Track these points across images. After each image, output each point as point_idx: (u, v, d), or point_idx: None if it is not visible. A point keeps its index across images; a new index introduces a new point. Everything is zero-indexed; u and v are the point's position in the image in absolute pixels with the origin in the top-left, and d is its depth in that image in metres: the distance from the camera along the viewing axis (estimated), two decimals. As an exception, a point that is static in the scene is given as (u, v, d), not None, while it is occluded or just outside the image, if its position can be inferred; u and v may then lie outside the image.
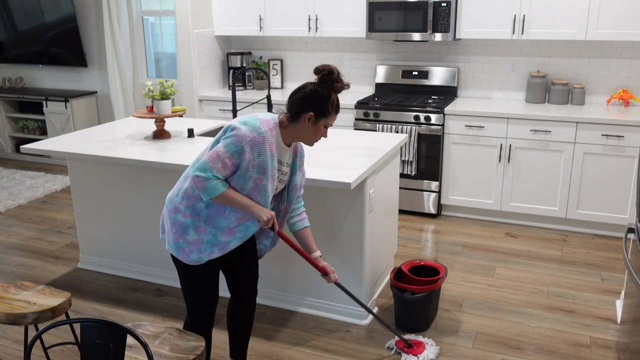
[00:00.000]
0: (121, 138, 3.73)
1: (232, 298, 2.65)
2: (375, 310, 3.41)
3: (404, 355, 2.93)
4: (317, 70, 2.24)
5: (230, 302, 2.67)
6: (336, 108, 2.27)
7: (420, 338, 3.07)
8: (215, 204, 2.30)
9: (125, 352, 1.93)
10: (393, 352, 3.01)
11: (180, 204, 2.33)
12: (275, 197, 2.49)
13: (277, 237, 2.56)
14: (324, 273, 2.57)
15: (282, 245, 3.35)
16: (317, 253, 2.57)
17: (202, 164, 2.21)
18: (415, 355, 2.92)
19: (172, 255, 2.41)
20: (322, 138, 2.35)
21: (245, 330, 2.70)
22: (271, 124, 2.25)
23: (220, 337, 3.17)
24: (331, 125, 2.34)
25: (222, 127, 3.88)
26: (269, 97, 3.84)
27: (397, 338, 3.04)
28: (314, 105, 2.22)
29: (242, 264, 2.56)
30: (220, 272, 3.17)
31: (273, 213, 2.31)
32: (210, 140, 2.34)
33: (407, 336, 3.09)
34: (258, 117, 2.25)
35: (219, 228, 2.32)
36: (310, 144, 2.34)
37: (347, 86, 2.28)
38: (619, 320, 3.25)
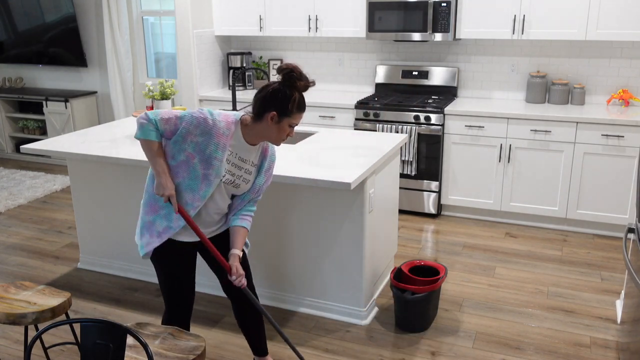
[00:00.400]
0: (121, 138, 3.73)
1: (231, 302, 2.64)
2: (375, 310, 3.41)
3: None
4: (279, 70, 2.23)
5: (232, 306, 2.66)
6: (298, 107, 2.25)
7: None
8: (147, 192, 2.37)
9: (125, 352, 1.93)
10: None
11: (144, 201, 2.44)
12: (236, 198, 2.45)
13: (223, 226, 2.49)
14: (229, 272, 2.37)
15: (283, 246, 3.35)
16: (237, 251, 2.39)
17: (155, 110, 2.35)
18: None
19: None
20: (289, 137, 2.35)
21: (256, 327, 2.69)
22: (230, 118, 2.29)
23: (221, 337, 3.17)
24: (297, 124, 2.32)
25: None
26: (269, 97, 3.84)
27: None
28: (276, 104, 2.21)
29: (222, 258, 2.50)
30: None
31: (171, 192, 2.27)
32: None
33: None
34: (221, 112, 2.31)
35: (145, 207, 2.39)
36: (277, 143, 2.33)
37: (312, 83, 2.27)
38: (619, 320, 3.25)
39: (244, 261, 2.55)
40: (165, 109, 2.27)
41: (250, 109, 2.32)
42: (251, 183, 2.42)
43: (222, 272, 2.55)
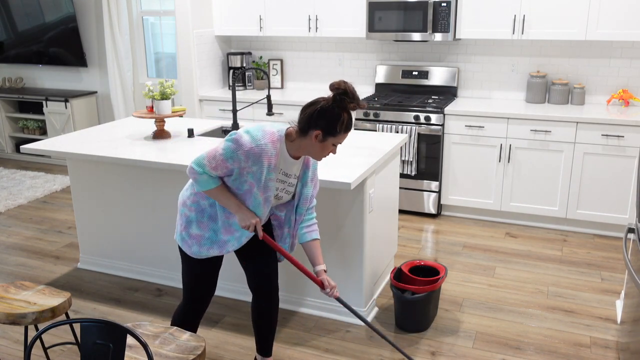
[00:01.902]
0: (121, 138, 3.73)
1: (253, 295, 2.66)
2: (375, 310, 3.41)
3: None
4: (334, 87, 2.18)
5: (252, 299, 2.68)
6: (346, 128, 2.21)
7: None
8: (214, 204, 2.41)
9: (125, 352, 1.93)
10: None
11: (188, 199, 2.44)
12: (285, 207, 2.50)
13: (294, 243, 2.58)
14: (322, 287, 2.50)
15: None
16: (322, 267, 2.50)
17: (199, 158, 2.29)
18: None
19: (178, 244, 2.53)
20: (331, 154, 2.35)
21: (268, 327, 2.70)
22: (275, 136, 2.24)
23: (221, 337, 3.17)
24: (341, 144, 2.33)
25: (222, 128, 3.85)
26: (269, 97, 3.84)
27: None
28: (323, 123, 2.17)
29: (258, 261, 2.58)
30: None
31: (257, 220, 2.33)
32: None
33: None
34: (264, 128, 2.25)
35: (220, 226, 2.41)
36: (318, 159, 2.32)
37: (363, 106, 2.21)
38: (619, 320, 3.25)
39: (271, 257, 2.61)
40: (209, 151, 2.27)
41: (296, 120, 2.28)
42: (292, 194, 2.45)
43: (249, 269, 2.59)
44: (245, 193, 2.32)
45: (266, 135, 2.23)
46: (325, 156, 2.31)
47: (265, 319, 2.66)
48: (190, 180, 2.46)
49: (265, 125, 2.30)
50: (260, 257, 2.58)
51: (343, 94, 2.16)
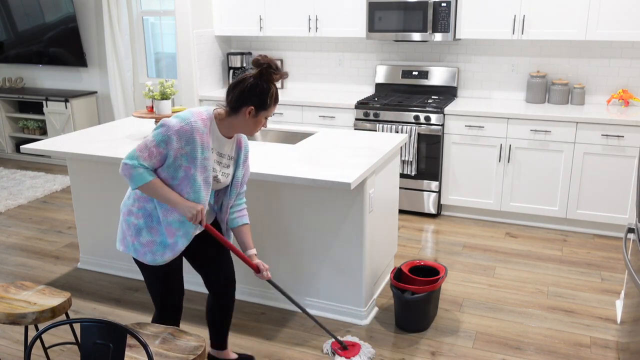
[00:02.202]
0: (121, 138, 3.73)
1: (209, 293, 2.68)
2: (375, 310, 3.41)
3: (337, 358, 2.87)
4: (256, 63, 2.23)
5: (208, 296, 2.70)
6: (275, 100, 2.29)
7: (356, 340, 3.02)
8: (159, 204, 2.33)
9: (125, 352, 1.93)
10: (329, 354, 2.96)
11: (132, 206, 2.37)
12: (220, 193, 2.52)
13: (226, 229, 2.58)
14: (257, 270, 2.55)
15: (283, 246, 3.35)
16: (253, 251, 2.56)
17: (130, 152, 2.25)
18: (348, 358, 2.86)
19: (133, 258, 2.44)
20: (263, 128, 2.43)
21: (225, 322, 2.74)
22: (203, 115, 2.27)
23: (220, 337, 3.17)
24: (271, 116, 2.36)
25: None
26: (269, 97, 3.84)
27: (332, 340, 2.98)
28: (255, 99, 2.23)
29: (209, 256, 2.59)
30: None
31: (200, 207, 2.30)
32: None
33: (346, 338, 3.04)
34: (191, 110, 2.29)
35: (163, 230, 2.35)
36: (251, 134, 2.37)
37: (286, 75, 2.29)
38: (619, 320, 3.25)
39: (223, 250, 2.62)
40: (139, 144, 2.26)
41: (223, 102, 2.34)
42: (230, 176, 2.47)
43: (205, 269, 2.61)
44: (182, 181, 2.28)
45: (194, 114, 2.25)
46: (257, 131, 2.36)
47: (222, 315, 2.71)
48: (128, 193, 2.42)
49: (192, 108, 2.32)
50: (215, 263, 2.59)
51: (267, 67, 2.22)
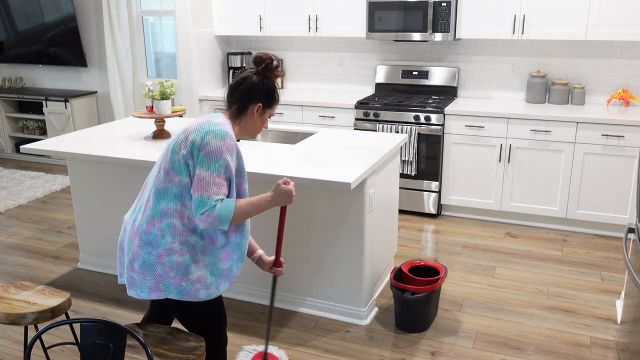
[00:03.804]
0: (121, 138, 3.73)
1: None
2: (375, 310, 3.41)
3: None
4: (260, 60, 2.18)
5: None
6: (279, 97, 2.26)
7: (278, 352, 2.85)
8: (206, 233, 2.15)
9: (125, 352, 1.93)
10: None
11: (173, 244, 2.11)
12: None
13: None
14: (280, 264, 2.43)
15: (283, 246, 3.35)
16: (260, 250, 2.49)
17: (196, 201, 2.03)
18: None
19: (172, 302, 2.18)
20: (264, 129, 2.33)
21: None
22: (227, 123, 2.15)
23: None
24: (273, 115, 2.29)
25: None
26: (269, 97, 3.83)
27: (258, 351, 2.80)
28: (261, 96, 2.18)
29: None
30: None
31: (286, 183, 2.20)
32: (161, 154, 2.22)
33: (276, 349, 2.89)
34: (213, 121, 2.11)
35: (216, 256, 2.18)
36: (256, 135, 2.29)
37: (284, 74, 2.25)
38: (619, 320, 3.25)
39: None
40: (199, 187, 2.04)
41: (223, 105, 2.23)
42: None
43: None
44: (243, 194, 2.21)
45: (224, 125, 2.11)
46: (260, 132, 2.28)
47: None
48: (158, 225, 2.11)
49: (208, 119, 2.13)
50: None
51: (270, 64, 2.18)
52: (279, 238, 2.37)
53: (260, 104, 2.20)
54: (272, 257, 2.45)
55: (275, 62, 2.20)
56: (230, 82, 2.23)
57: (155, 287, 2.13)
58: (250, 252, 2.44)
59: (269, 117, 2.27)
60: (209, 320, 2.25)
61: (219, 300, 2.27)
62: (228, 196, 2.10)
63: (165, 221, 2.10)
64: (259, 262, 2.44)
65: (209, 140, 2.03)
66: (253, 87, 2.17)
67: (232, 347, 3.08)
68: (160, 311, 2.44)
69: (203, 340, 2.17)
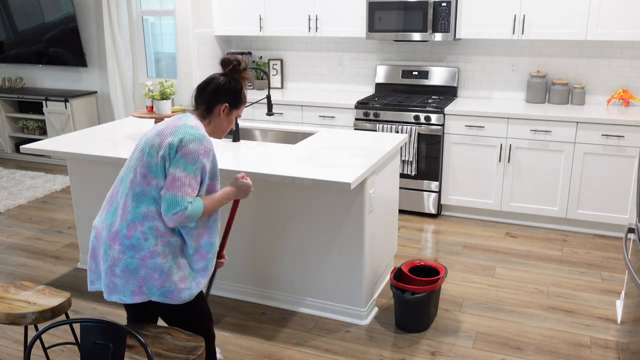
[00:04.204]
0: (121, 138, 3.73)
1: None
2: (375, 310, 3.41)
3: None
4: (227, 62, 2.26)
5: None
6: (245, 98, 2.32)
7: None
8: (180, 233, 2.21)
9: (125, 352, 1.93)
10: None
11: (157, 246, 2.14)
12: None
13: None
14: (223, 257, 2.51)
15: (283, 246, 3.35)
16: None
17: (169, 200, 2.08)
18: None
19: (156, 304, 2.24)
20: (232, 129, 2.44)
21: None
22: (201, 125, 2.21)
23: (221, 337, 3.17)
24: (240, 117, 2.38)
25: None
26: (269, 97, 3.84)
27: None
28: (229, 96, 2.25)
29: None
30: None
31: (243, 178, 2.34)
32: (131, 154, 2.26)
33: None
34: (188, 124, 2.16)
35: (192, 254, 2.24)
36: (221, 137, 2.34)
37: (250, 76, 2.34)
38: (619, 320, 3.25)
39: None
40: (173, 187, 2.09)
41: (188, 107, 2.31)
42: None
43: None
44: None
45: (198, 127, 2.17)
46: (226, 132, 2.33)
47: None
48: (140, 229, 2.13)
49: (184, 121, 2.18)
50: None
51: (237, 66, 2.27)
52: (227, 230, 2.51)
53: (227, 105, 2.26)
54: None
55: (242, 65, 2.28)
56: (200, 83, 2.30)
57: (138, 291, 2.16)
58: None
59: (236, 117, 2.32)
60: (194, 317, 2.31)
61: (200, 296, 2.33)
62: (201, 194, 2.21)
63: (147, 224, 2.14)
64: None
65: (187, 142, 2.10)
66: (220, 88, 2.24)
67: (232, 347, 3.08)
68: (142, 314, 2.46)
69: (203, 340, 2.17)
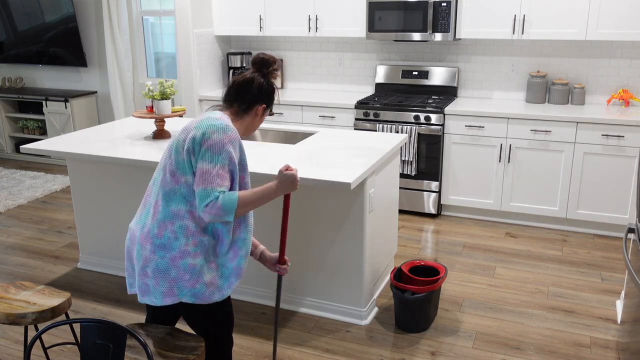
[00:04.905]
0: (121, 138, 3.73)
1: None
2: (375, 310, 3.41)
3: None
4: (264, 62, 2.21)
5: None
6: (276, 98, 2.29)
7: None
8: (214, 231, 2.15)
9: (125, 352, 1.93)
10: None
11: (187, 246, 2.10)
12: None
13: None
14: (284, 262, 2.40)
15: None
16: (262, 246, 2.47)
17: (200, 194, 2.02)
18: None
19: (184, 305, 2.18)
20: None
21: None
22: (226, 118, 2.14)
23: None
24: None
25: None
26: (269, 97, 3.84)
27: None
28: (265, 97, 2.22)
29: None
30: None
31: (289, 168, 2.18)
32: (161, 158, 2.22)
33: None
34: (212, 117, 2.11)
35: (226, 252, 2.18)
36: (249, 135, 2.29)
37: (278, 75, 2.29)
38: (619, 320, 3.25)
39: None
40: (202, 180, 2.02)
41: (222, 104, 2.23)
42: None
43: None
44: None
45: (224, 118, 2.12)
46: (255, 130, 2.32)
47: None
48: (170, 228, 2.10)
49: (208, 115, 2.14)
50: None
51: (270, 65, 2.22)
52: (283, 232, 2.33)
53: (265, 105, 2.23)
54: (276, 254, 2.42)
55: (276, 65, 2.23)
56: (232, 80, 2.23)
57: (169, 292, 2.12)
58: (252, 249, 2.41)
59: (265, 116, 2.29)
60: (220, 321, 2.25)
61: (228, 301, 2.27)
62: (231, 189, 2.09)
63: (177, 223, 2.09)
64: (262, 258, 2.41)
65: (210, 134, 2.03)
66: (262, 89, 2.20)
67: (233, 347, 3.07)
68: (163, 315, 2.40)
69: (203, 340, 2.17)
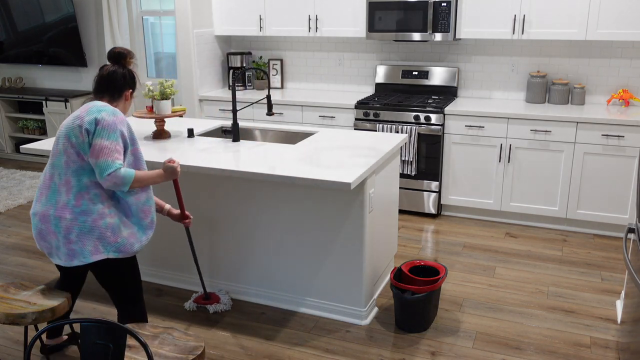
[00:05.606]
0: (121, 138, 3.73)
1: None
2: (375, 310, 3.41)
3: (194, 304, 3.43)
4: (119, 55, 2.68)
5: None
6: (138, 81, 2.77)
7: (218, 292, 3.51)
8: (126, 195, 2.54)
9: (125, 352, 1.93)
10: (193, 309, 3.43)
11: (104, 209, 2.47)
12: None
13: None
14: (187, 217, 3.04)
15: (283, 246, 3.35)
16: (168, 205, 3.00)
17: (101, 165, 2.39)
18: (205, 305, 3.41)
19: (106, 261, 2.51)
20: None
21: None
22: (109, 105, 2.56)
23: (220, 337, 3.17)
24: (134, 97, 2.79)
25: (222, 128, 3.82)
26: (269, 97, 3.84)
27: (194, 297, 3.48)
28: (131, 82, 2.71)
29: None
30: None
31: (171, 160, 2.68)
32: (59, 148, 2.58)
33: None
34: (99, 104, 2.52)
35: (137, 216, 2.58)
36: (125, 115, 2.67)
37: (132, 61, 2.73)
38: (619, 320, 3.26)
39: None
40: (101, 154, 2.42)
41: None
42: None
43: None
44: (134, 164, 2.56)
45: (107, 106, 2.54)
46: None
47: None
48: (86, 197, 2.46)
49: (90, 106, 2.52)
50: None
51: (125, 56, 2.71)
52: (179, 198, 2.97)
53: (131, 90, 2.71)
54: (179, 211, 3.01)
55: (129, 55, 2.72)
56: (99, 75, 2.65)
57: (95, 250, 2.45)
58: (160, 208, 2.94)
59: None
60: (133, 273, 2.65)
61: (136, 262, 2.69)
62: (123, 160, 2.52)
63: (92, 192, 2.46)
64: (170, 214, 2.98)
65: (103, 116, 2.45)
66: (126, 77, 2.68)
67: (232, 347, 3.08)
68: (74, 277, 2.81)
69: (203, 340, 2.17)
